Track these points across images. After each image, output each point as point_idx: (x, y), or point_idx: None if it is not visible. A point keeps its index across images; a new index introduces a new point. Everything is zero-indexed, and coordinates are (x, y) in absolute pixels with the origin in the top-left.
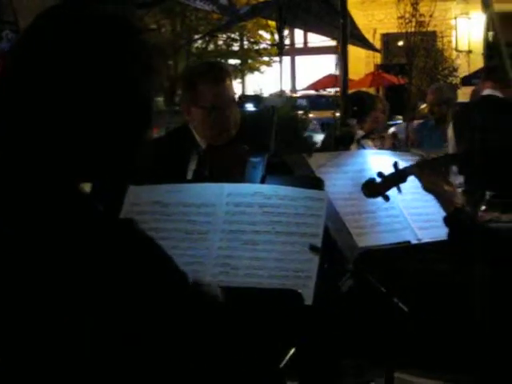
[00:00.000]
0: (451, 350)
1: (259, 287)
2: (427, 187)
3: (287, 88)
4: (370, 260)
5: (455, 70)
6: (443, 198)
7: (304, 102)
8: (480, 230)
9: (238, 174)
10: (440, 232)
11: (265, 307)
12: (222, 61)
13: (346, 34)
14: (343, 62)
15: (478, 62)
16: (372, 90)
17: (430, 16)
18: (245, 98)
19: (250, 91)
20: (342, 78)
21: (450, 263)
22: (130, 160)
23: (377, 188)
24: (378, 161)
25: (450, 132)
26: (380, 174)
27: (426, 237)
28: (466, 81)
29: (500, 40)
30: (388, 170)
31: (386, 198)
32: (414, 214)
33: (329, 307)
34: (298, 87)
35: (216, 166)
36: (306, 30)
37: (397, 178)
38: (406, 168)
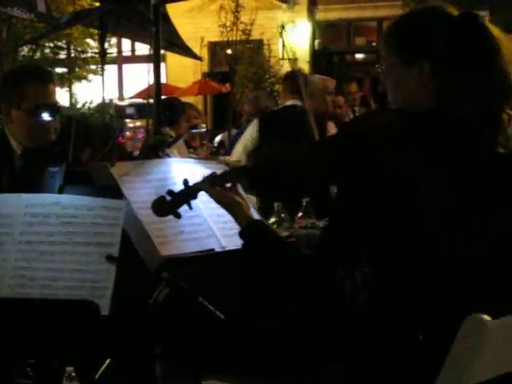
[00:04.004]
0: (258, 356)
1: (56, 298)
2: (218, 202)
3: (115, 96)
4: (179, 268)
5: (282, 77)
6: (234, 213)
7: (132, 110)
8: (275, 244)
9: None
10: None
11: (61, 319)
12: (49, 69)
13: (159, 42)
14: (156, 70)
15: (304, 70)
16: (199, 99)
17: (251, 24)
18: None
19: (77, 100)
20: (154, 86)
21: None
22: None
23: (166, 207)
24: (181, 169)
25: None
26: (170, 192)
27: (231, 244)
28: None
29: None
30: (191, 177)
31: (177, 216)
32: (218, 222)
33: (143, 316)
34: (126, 95)
35: (30, 173)
36: (130, 38)
37: (186, 195)
38: (195, 184)
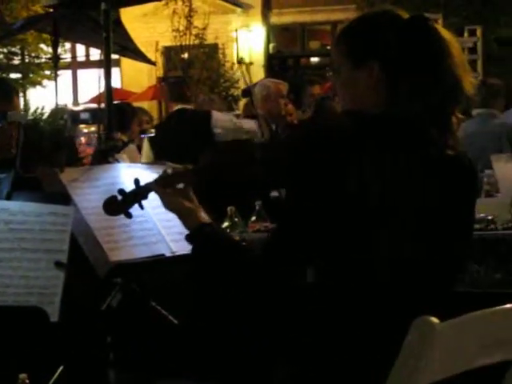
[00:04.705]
0: (211, 359)
1: (4, 305)
2: (166, 205)
3: (69, 101)
4: (130, 273)
5: (237, 81)
6: (183, 216)
7: (86, 116)
8: (225, 246)
9: None
10: None
11: (10, 326)
12: (4, 75)
13: (110, 47)
14: (107, 75)
15: (259, 74)
16: (154, 103)
17: (204, 29)
18: None
19: (32, 106)
20: (106, 92)
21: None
22: None
23: (117, 206)
24: (130, 174)
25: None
26: (121, 192)
27: (181, 249)
28: (247, 92)
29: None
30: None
31: (128, 216)
32: (167, 226)
33: (95, 322)
34: (80, 101)
35: None
36: (83, 43)
37: (137, 195)
38: (146, 184)
